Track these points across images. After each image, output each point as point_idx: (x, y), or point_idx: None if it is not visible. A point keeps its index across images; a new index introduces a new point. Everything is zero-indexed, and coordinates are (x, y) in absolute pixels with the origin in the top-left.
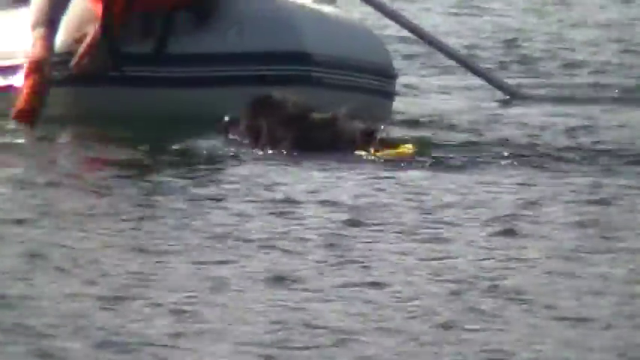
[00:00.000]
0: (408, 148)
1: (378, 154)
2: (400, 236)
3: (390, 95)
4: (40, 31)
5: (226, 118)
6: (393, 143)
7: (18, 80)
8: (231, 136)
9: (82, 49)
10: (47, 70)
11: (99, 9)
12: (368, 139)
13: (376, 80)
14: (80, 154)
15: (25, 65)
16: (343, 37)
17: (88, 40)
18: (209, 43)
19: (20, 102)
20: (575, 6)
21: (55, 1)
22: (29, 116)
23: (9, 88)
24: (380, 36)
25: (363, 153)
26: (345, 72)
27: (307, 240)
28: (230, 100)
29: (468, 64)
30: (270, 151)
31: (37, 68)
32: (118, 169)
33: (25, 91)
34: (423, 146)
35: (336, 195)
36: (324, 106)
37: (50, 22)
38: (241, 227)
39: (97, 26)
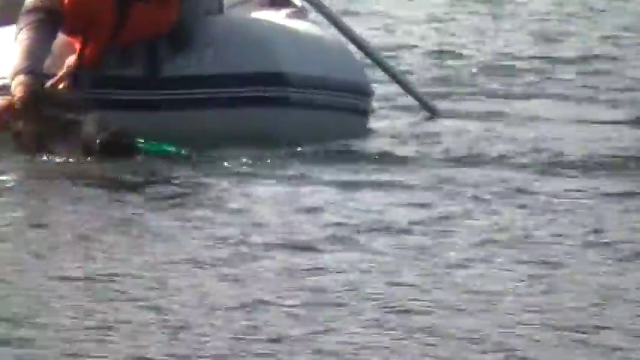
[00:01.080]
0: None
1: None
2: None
3: (366, 113)
4: (20, 78)
5: None
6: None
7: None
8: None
9: (59, 74)
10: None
11: (78, 43)
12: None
13: (352, 98)
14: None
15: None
16: (318, 55)
17: (65, 67)
18: (188, 65)
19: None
20: None
21: (35, 51)
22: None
23: None
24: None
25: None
26: (320, 91)
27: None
28: (208, 122)
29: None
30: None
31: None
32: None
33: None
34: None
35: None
36: (299, 126)
37: (30, 71)
38: None
39: (75, 56)
